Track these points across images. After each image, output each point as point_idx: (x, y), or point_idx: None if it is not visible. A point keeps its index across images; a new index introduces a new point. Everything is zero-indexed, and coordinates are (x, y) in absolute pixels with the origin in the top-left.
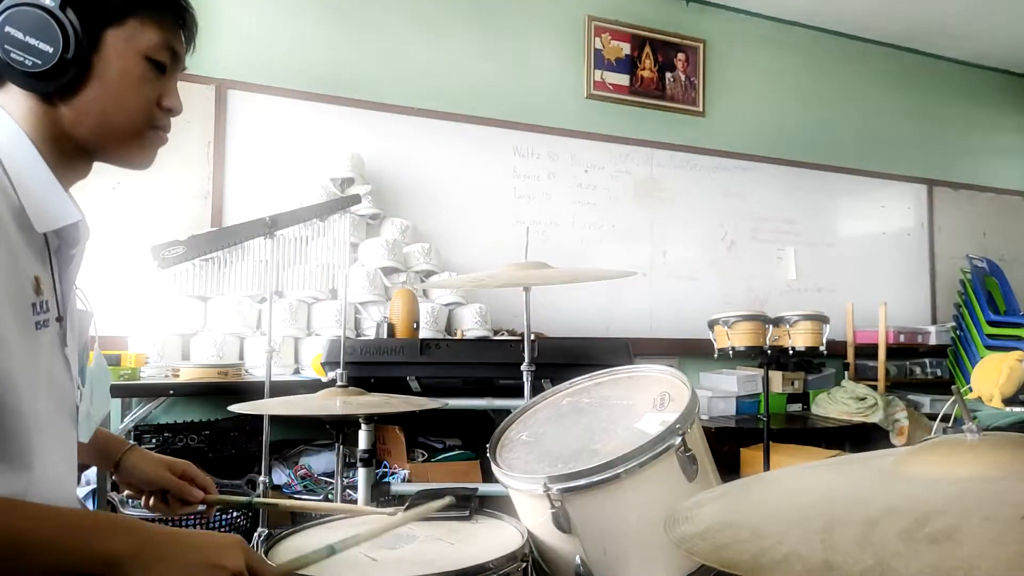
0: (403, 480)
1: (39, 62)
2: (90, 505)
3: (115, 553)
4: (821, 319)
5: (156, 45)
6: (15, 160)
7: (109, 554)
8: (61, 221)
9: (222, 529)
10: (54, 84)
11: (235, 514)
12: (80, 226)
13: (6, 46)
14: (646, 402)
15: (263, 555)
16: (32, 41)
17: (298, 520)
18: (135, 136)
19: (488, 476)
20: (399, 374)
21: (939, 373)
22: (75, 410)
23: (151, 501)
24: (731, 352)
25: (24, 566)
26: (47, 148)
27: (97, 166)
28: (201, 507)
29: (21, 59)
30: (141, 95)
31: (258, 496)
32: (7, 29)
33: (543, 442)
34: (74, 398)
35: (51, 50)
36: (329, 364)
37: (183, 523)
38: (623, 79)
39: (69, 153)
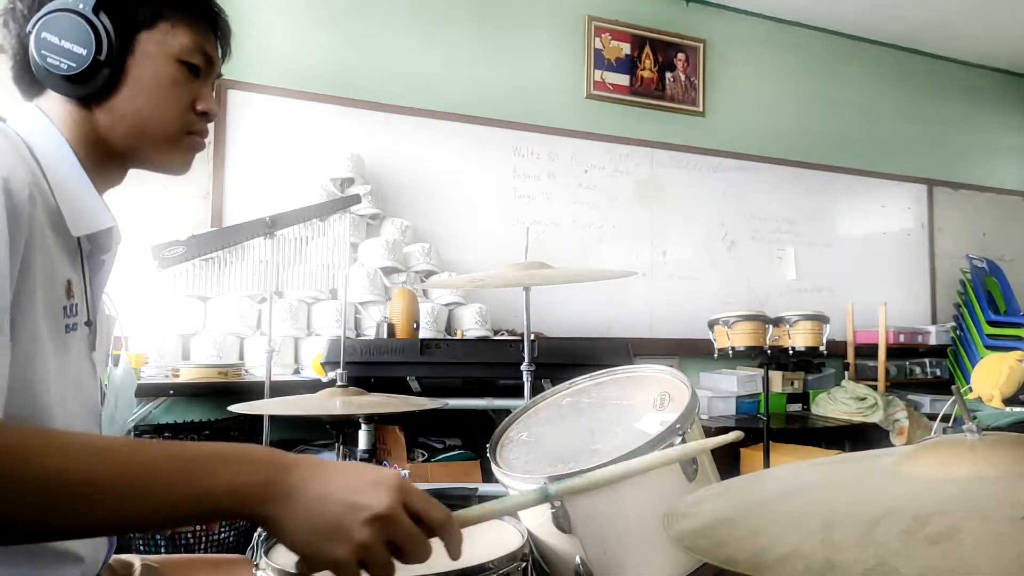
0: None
1: (73, 65)
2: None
3: (238, 486)
4: (821, 319)
5: (188, 48)
6: (54, 164)
7: (232, 487)
8: (95, 226)
9: (222, 529)
10: (89, 87)
11: None
12: (112, 232)
13: (42, 51)
14: (646, 402)
15: (263, 555)
16: (67, 45)
17: None
18: (171, 139)
19: (488, 476)
20: (399, 374)
21: (939, 373)
22: (99, 414)
23: None
24: (731, 352)
25: (133, 508)
26: (84, 154)
27: None
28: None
29: (57, 63)
30: (175, 98)
31: None
32: (43, 34)
33: (543, 442)
34: (97, 403)
35: (85, 52)
36: (329, 364)
37: (182, 537)
38: (623, 79)
39: (104, 159)
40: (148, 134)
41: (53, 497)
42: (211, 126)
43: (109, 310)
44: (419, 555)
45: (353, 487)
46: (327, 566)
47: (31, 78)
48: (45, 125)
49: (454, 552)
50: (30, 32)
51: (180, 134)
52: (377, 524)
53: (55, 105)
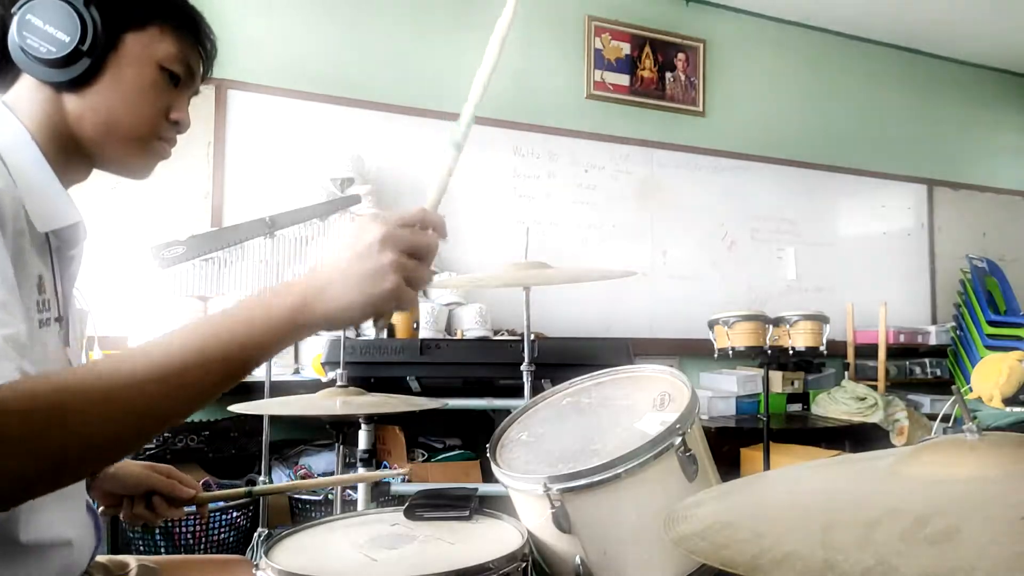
0: (403, 480)
1: (54, 49)
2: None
3: (289, 308)
4: (821, 319)
5: (172, 56)
6: (19, 159)
7: (286, 311)
8: (61, 221)
9: (222, 530)
10: (65, 73)
11: (235, 514)
12: (79, 227)
13: (24, 32)
14: (646, 402)
15: (263, 555)
16: (51, 30)
17: (298, 520)
18: (138, 142)
19: (488, 476)
20: (399, 374)
21: (939, 373)
22: None
23: (133, 508)
24: (731, 352)
25: (229, 358)
26: (50, 147)
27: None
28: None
29: (37, 45)
30: (150, 102)
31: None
32: (28, 17)
33: (543, 442)
34: None
35: (68, 40)
36: (329, 364)
37: (182, 537)
38: (623, 79)
39: (70, 153)
40: (116, 131)
41: (164, 385)
42: (211, 126)
43: (81, 304)
44: (430, 250)
45: (350, 245)
46: (388, 304)
47: (5, 63)
48: (11, 121)
49: (442, 232)
50: (14, 14)
51: (149, 137)
52: (388, 242)
53: (25, 94)
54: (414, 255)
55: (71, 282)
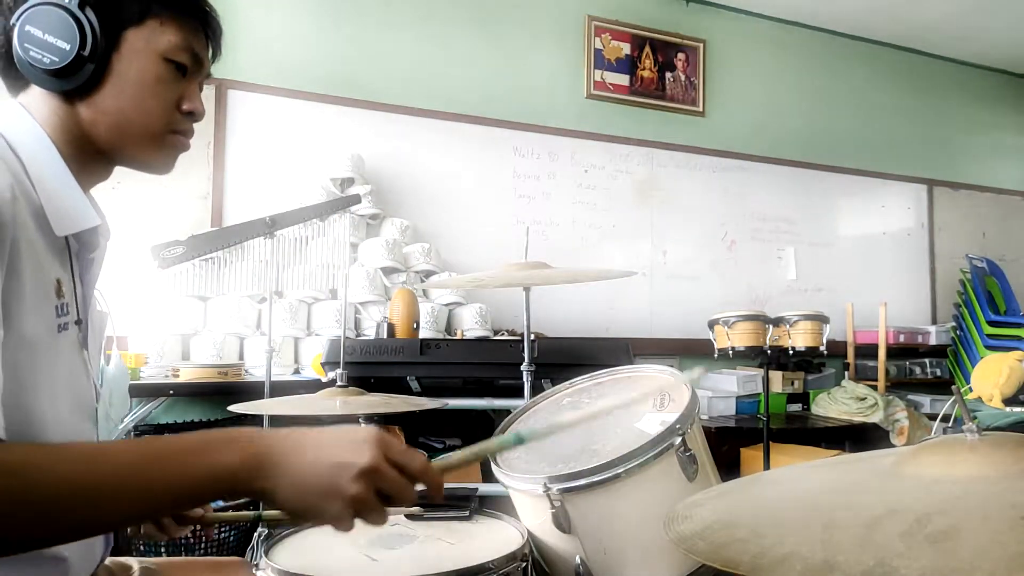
0: None
1: (56, 59)
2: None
3: (228, 468)
4: (821, 319)
5: (175, 46)
6: (37, 163)
7: (223, 471)
8: (80, 225)
9: (223, 531)
10: (72, 82)
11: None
12: (100, 229)
13: (25, 44)
14: (646, 402)
15: (264, 555)
16: (50, 39)
17: None
18: (153, 138)
19: (488, 476)
20: (399, 374)
21: (939, 373)
22: (94, 411)
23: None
24: (731, 352)
25: (136, 506)
26: (68, 150)
27: None
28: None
29: (39, 56)
30: (159, 96)
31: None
32: (27, 28)
33: (543, 442)
34: (92, 400)
35: (68, 47)
36: (329, 364)
37: (182, 538)
38: (623, 79)
39: (89, 155)
40: (130, 131)
41: (55, 507)
42: (211, 126)
43: (101, 306)
44: (405, 499)
45: (336, 449)
46: (324, 522)
47: (16, 72)
48: (28, 123)
49: (437, 495)
50: (14, 25)
51: (163, 132)
52: (365, 478)
53: (39, 100)
54: (386, 496)
55: (91, 285)
